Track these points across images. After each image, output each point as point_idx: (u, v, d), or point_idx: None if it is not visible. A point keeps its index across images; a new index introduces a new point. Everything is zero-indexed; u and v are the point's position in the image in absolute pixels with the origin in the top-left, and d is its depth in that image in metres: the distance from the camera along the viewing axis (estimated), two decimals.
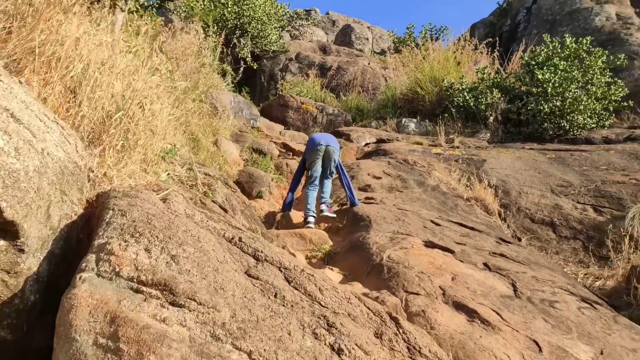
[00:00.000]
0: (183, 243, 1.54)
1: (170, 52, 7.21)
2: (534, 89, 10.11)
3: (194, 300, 1.34)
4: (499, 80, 10.98)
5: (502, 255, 3.99)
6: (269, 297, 1.53)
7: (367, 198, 5.67)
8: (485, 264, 3.69)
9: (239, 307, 1.38)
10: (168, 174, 3.23)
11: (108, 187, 2.14)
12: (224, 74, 14.64)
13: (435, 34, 17.25)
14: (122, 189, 1.93)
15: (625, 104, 10.18)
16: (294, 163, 7.18)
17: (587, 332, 3.01)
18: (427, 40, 14.91)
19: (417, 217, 4.81)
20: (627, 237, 5.42)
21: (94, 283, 1.30)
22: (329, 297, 1.74)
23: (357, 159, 8.78)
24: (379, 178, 6.57)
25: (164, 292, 1.34)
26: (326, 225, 4.90)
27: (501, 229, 5.75)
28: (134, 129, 2.97)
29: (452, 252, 3.85)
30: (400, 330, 1.79)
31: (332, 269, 3.72)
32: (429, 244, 3.97)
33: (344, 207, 5.41)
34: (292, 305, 1.53)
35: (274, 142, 8.82)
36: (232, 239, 1.94)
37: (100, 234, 1.54)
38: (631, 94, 10.40)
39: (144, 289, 1.35)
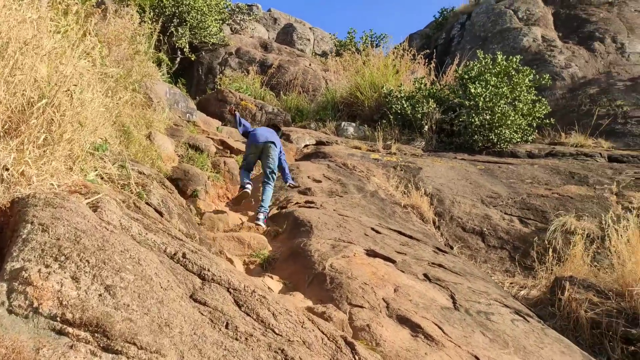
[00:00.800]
0: (121, 269, 1.28)
1: (103, 36, 6.66)
2: (466, 102, 10.47)
3: (134, 344, 1.10)
4: (434, 91, 11.29)
5: (440, 265, 4.00)
6: (220, 329, 1.34)
7: (307, 202, 5.54)
8: (425, 275, 3.68)
9: (187, 348, 1.16)
10: (97, 173, 2.90)
11: (26, 190, 1.81)
12: (159, 64, 13.95)
13: (375, 40, 17.52)
14: (44, 195, 1.60)
15: (547, 121, 10.82)
16: (232, 162, 6.90)
17: (522, 347, 3.06)
18: (367, 46, 15.09)
19: (358, 224, 4.75)
20: (550, 249, 5.70)
21: (3, 323, 1.02)
22: (283, 322, 1.57)
23: (296, 160, 8.63)
24: (319, 181, 6.47)
25: (96, 335, 1.08)
26: (265, 229, 4.70)
27: (436, 237, 5.85)
28: (59, 120, 2.62)
29: (393, 261, 3.81)
30: (357, 357, 1.67)
31: (271, 277, 3.54)
32: (371, 253, 3.90)
33: (284, 210, 5.24)
34: (246, 338, 1.34)
35: (211, 139, 8.46)
36: (175, 255, 1.71)
37: (14, 254, 1.23)
38: (552, 112, 11.08)
39: (71, 330, 1.07)
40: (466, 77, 11.04)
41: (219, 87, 13.24)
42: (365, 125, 11.05)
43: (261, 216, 5.06)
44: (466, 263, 4.65)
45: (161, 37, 14.52)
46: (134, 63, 7.25)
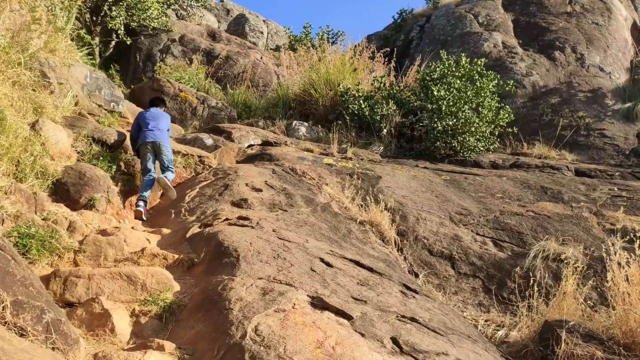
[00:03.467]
0: None
1: None
2: (428, 105, 9.53)
3: None
4: (395, 92, 10.28)
5: (413, 319, 2.85)
6: None
7: (240, 218, 4.27)
8: (394, 341, 2.51)
9: None
10: None
11: None
12: (86, 45, 12.20)
13: (332, 37, 16.43)
14: None
15: (510, 130, 10.07)
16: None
17: None
18: (324, 42, 13.95)
19: (304, 252, 3.53)
20: (532, 280, 4.73)
21: None
22: None
23: (238, 162, 7.33)
24: (259, 190, 5.21)
25: None
26: (175, 258, 3.39)
27: (400, 266, 4.73)
28: None
29: (349, 317, 2.62)
30: None
31: (162, 348, 2.25)
32: (319, 303, 2.70)
33: (208, 229, 3.94)
34: None
35: None
36: None
37: None
38: (514, 120, 10.34)
39: None
40: (428, 78, 10.11)
41: (157, 75, 11.69)
42: (319, 126, 9.88)
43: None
44: (443, 307, 3.54)
45: (94, 17, 12.82)
46: (34, 35, 5.72)
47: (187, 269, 3.34)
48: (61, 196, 4.25)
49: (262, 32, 17.25)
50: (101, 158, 4.94)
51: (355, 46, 13.05)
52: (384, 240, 5.30)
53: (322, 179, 6.35)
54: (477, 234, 5.62)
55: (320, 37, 16.13)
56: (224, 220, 4.17)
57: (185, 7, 15.96)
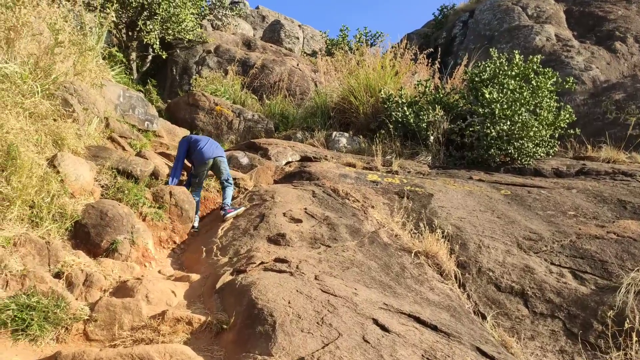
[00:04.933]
0: None
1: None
2: (479, 109, 8.69)
3: None
4: (441, 96, 9.49)
5: None
6: None
7: (277, 260, 3.69)
8: None
9: None
10: None
11: None
12: (124, 63, 12.04)
13: (371, 39, 15.71)
14: None
15: (571, 131, 9.09)
16: (182, 192, 5.04)
17: None
18: (362, 45, 13.28)
19: (353, 311, 2.91)
20: (627, 323, 3.94)
21: None
22: None
23: (276, 181, 6.80)
24: (298, 221, 4.63)
25: None
26: (201, 321, 2.85)
27: (465, 308, 4.03)
28: None
29: None
30: None
31: None
32: None
33: (240, 278, 3.38)
34: None
35: (169, 155, 6.61)
36: None
37: None
38: (574, 120, 9.34)
39: None
40: (477, 79, 9.26)
41: (193, 89, 11.38)
42: (361, 136, 9.23)
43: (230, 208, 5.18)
44: None
45: (129, 33, 12.67)
46: (56, 59, 5.38)
47: (216, 334, 2.79)
48: (81, 240, 3.82)
49: (297, 38, 16.75)
50: (126, 191, 4.50)
51: (395, 47, 12.35)
52: (443, 275, 4.60)
53: (367, 200, 5.71)
54: (552, 263, 4.82)
55: (357, 39, 15.47)
56: (259, 264, 3.61)
57: (220, 17, 15.69)
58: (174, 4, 12.10)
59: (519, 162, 8.45)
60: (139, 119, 8.09)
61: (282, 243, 4.13)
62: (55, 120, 4.57)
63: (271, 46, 14.56)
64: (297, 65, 12.95)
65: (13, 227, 3.38)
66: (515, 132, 8.32)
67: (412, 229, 5.19)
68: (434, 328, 3.03)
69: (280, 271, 3.49)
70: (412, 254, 4.66)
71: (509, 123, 8.33)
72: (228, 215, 5.06)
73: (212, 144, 5.81)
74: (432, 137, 8.89)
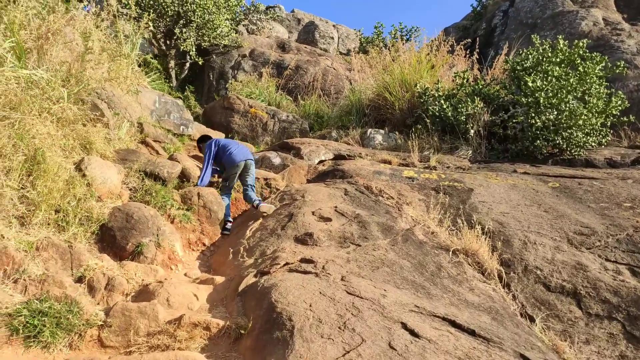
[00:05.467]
0: None
1: (28, 31, 4.86)
2: (522, 99, 8.19)
3: None
4: (480, 87, 9.02)
5: None
6: None
7: (303, 261, 3.50)
8: None
9: None
10: None
11: None
12: (161, 70, 12.24)
13: (406, 34, 15.29)
14: None
15: (625, 118, 8.40)
16: (211, 193, 4.94)
17: None
18: (397, 41, 12.93)
19: (380, 314, 2.67)
20: None
21: None
22: None
23: (308, 180, 6.62)
24: (327, 220, 4.42)
25: None
26: (219, 326, 2.69)
27: (509, 310, 3.68)
28: None
29: None
30: None
31: None
32: None
33: (263, 280, 3.20)
34: None
35: (202, 157, 6.56)
36: None
37: None
38: (627, 107, 8.63)
39: None
40: (519, 68, 8.75)
41: (229, 93, 11.40)
42: (397, 132, 8.91)
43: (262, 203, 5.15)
44: None
45: (167, 41, 12.88)
46: (87, 65, 5.43)
47: (235, 340, 2.63)
48: (108, 243, 3.77)
49: (332, 38, 16.57)
50: (154, 194, 4.45)
51: (432, 41, 11.93)
52: (484, 274, 4.26)
53: (402, 197, 5.43)
54: (607, 259, 4.38)
55: (392, 35, 15.11)
56: (284, 265, 3.42)
57: (255, 21, 15.75)
58: (208, 10, 12.20)
59: (568, 153, 7.89)
60: (174, 124, 8.14)
61: (310, 243, 3.93)
62: (84, 125, 4.58)
63: (305, 47, 14.44)
64: (332, 64, 12.77)
65: (39, 232, 3.36)
66: (563, 121, 7.78)
67: (450, 225, 4.87)
68: (472, 333, 2.74)
69: (305, 272, 3.29)
70: (450, 252, 4.34)
71: (555, 112, 7.80)
72: (262, 205, 5.01)
73: (242, 147, 5.78)
74: (472, 131, 8.46)
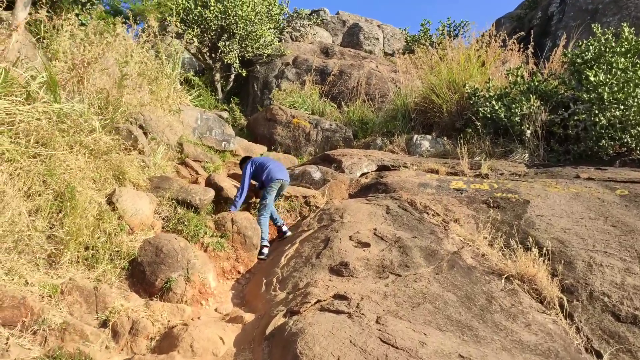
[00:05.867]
0: None
1: (68, 59, 4.92)
2: (584, 95, 7.48)
3: None
4: (536, 83, 8.35)
5: None
6: None
7: (336, 297, 3.23)
8: None
9: None
10: None
11: None
12: (208, 86, 12.37)
13: (455, 30, 14.61)
14: None
15: None
16: (245, 218, 4.78)
17: None
18: (444, 38, 12.34)
19: None
20: None
21: None
22: None
23: (350, 195, 6.34)
24: (366, 246, 4.13)
25: None
26: None
27: (575, 351, 3.23)
28: None
29: None
30: None
31: None
32: None
33: (292, 322, 2.97)
34: None
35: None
36: None
37: None
38: None
39: None
40: (580, 60, 8.01)
41: (272, 103, 11.33)
42: (445, 137, 8.43)
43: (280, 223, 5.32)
44: None
45: (213, 55, 13.03)
46: (124, 91, 5.45)
47: None
48: (138, 279, 3.69)
49: (377, 39, 16.15)
50: (186, 222, 4.35)
51: (482, 35, 11.27)
52: (543, 303, 3.81)
53: (449, 213, 5.03)
54: None
55: (440, 32, 14.49)
56: (315, 303, 3.17)
57: (298, 27, 15.64)
58: (251, 21, 12.20)
59: (638, 152, 7.11)
60: (216, 140, 8.13)
61: (345, 274, 3.66)
62: (119, 153, 4.57)
63: (349, 50, 14.15)
64: (376, 67, 12.40)
65: (67, 271, 3.32)
66: (631, 117, 7.02)
67: (503, 246, 4.42)
68: None
69: (337, 312, 3.02)
70: (503, 279, 3.92)
71: (621, 108, 7.05)
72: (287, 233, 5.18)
73: (280, 165, 5.72)
74: (528, 132, 7.84)
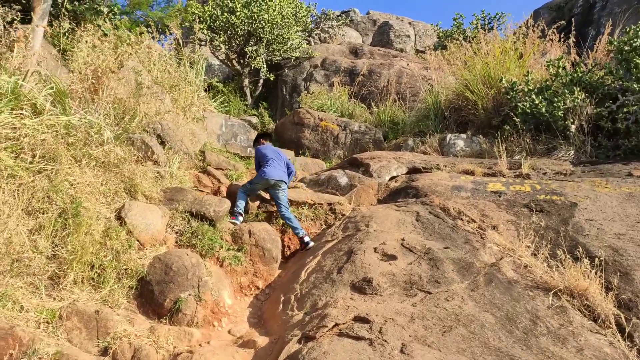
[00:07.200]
0: None
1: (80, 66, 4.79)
2: (634, 85, 6.82)
3: None
4: (580, 74, 7.70)
5: None
6: None
7: (356, 319, 2.88)
8: None
9: None
10: None
11: None
12: (239, 91, 12.25)
13: (489, 23, 13.92)
14: None
15: None
16: (264, 230, 4.48)
17: None
18: (478, 32, 11.73)
19: None
20: None
21: None
22: None
23: (379, 200, 5.96)
24: (392, 258, 3.74)
25: None
26: None
27: None
28: None
29: None
30: None
31: None
32: None
33: (308, 348, 2.65)
34: None
35: None
36: None
37: None
38: None
39: None
40: (627, 48, 7.33)
41: (300, 107, 11.07)
42: (481, 136, 7.90)
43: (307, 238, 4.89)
44: None
45: (241, 60, 12.91)
46: (140, 100, 5.28)
47: None
48: (146, 299, 3.46)
49: (408, 36, 15.64)
50: (200, 236, 4.10)
51: (519, 27, 10.63)
52: (597, 321, 3.32)
53: (485, 219, 4.57)
54: None
55: (474, 26, 13.84)
56: (333, 327, 2.83)
57: (326, 29, 15.35)
58: (277, 25, 12.00)
59: None
60: (241, 147, 7.92)
61: (368, 291, 3.29)
62: (135, 162, 4.38)
63: (379, 50, 13.72)
64: (407, 65, 11.93)
65: (71, 292, 3.11)
66: None
67: (548, 256, 3.94)
68: None
69: (357, 337, 2.67)
70: (550, 294, 3.45)
71: None
72: (308, 241, 4.89)
73: (278, 166, 5.43)
74: (572, 127, 7.22)
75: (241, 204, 5.03)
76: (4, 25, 5.26)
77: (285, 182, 5.32)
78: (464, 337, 2.72)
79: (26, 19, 5.65)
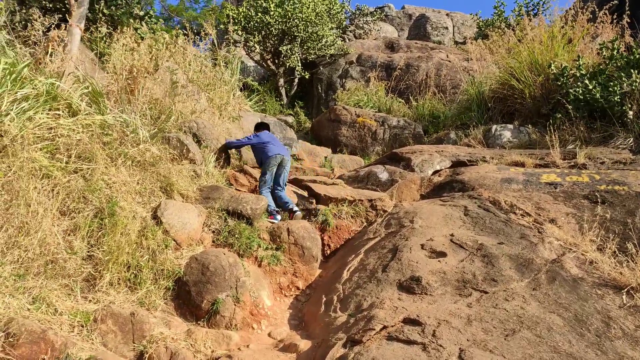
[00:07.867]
0: None
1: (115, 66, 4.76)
2: None
3: None
4: (637, 56, 7.12)
5: None
6: None
7: (406, 322, 2.64)
8: None
9: None
10: None
11: None
12: (274, 91, 12.18)
13: (533, 9, 13.26)
14: None
15: None
16: (303, 228, 4.28)
17: None
18: (522, 18, 11.15)
19: None
20: None
21: None
22: None
23: (422, 196, 5.67)
24: (441, 255, 3.47)
25: None
26: None
27: None
28: None
29: None
30: None
31: None
32: None
33: (354, 351, 2.43)
34: None
35: (300, 180, 6.01)
36: None
37: None
38: None
39: None
40: None
41: (337, 104, 10.86)
42: (529, 126, 7.44)
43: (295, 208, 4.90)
44: None
45: (276, 60, 12.84)
46: (176, 100, 5.22)
47: None
48: (184, 300, 3.34)
49: (446, 28, 15.16)
50: (237, 235, 3.96)
51: (567, 11, 10.01)
52: None
53: (542, 212, 4.21)
54: None
55: (516, 13, 13.22)
56: (381, 329, 2.60)
57: (361, 25, 15.08)
58: (311, 22, 11.84)
59: None
60: None
61: (417, 291, 3.04)
62: (171, 161, 4.30)
63: (416, 43, 13.34)
64: (446, 57, 11.50)
65: (107, 294, 3.02)
66: None
67: (616, 250, 3.56)
68: None
69: (408, 341, 2.43)
70: (623, 293, 3.09)
71: None
72: (297, 214, 4.86)
73: (280, 143, 5.59)
74: (630, 113, 6.67)
75: (272, 202, 4.97)
76: (42, 32, 5.32)
77: (289, 161, 5.36)
78: (529, 341, 2.43)
79: (66, 27, 5.70)
